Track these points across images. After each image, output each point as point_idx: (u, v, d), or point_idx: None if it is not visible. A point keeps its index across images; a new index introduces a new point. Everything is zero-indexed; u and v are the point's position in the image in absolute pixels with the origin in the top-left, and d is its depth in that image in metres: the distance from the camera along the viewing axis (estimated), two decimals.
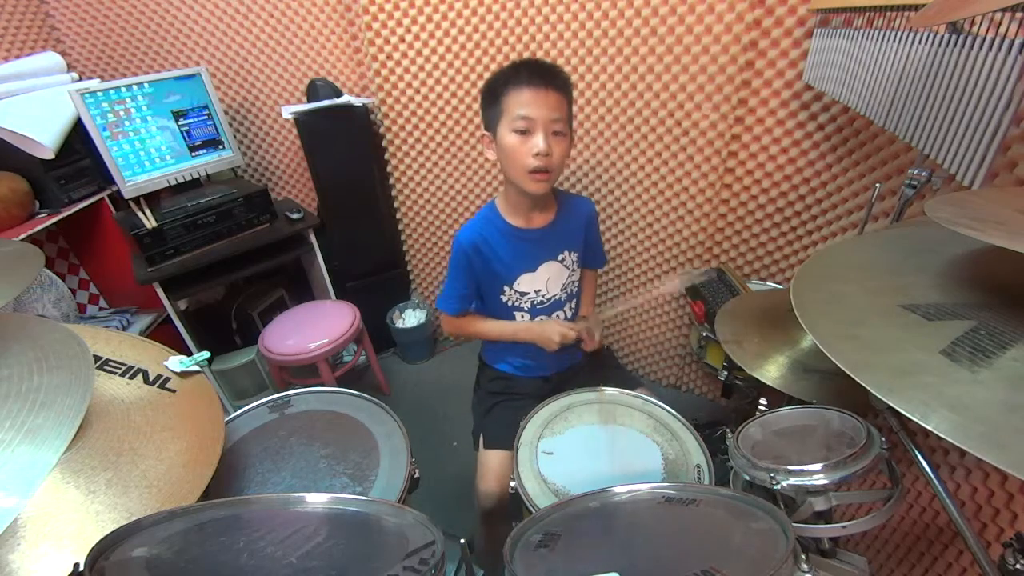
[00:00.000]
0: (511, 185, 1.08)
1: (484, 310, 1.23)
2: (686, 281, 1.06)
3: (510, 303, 1.18)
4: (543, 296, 1.18)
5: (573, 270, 1.20)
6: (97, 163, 1.78)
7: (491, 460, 1.10)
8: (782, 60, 1.34)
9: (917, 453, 0.66)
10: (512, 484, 0.90)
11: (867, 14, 0.97)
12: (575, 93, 1.62)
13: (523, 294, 1.17)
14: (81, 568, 0.45)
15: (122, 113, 1.73)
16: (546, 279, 1.17)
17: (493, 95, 1.02)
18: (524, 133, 0.98)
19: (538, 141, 0.97)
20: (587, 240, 1.22)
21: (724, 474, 0.82)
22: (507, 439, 1.02)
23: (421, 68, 1.80)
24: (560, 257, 1.17)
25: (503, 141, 1.01)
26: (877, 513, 0.68)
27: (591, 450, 0.94)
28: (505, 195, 1.14)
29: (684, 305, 1.82)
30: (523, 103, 0.97)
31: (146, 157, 1.81)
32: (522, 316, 1.20)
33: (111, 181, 1.79)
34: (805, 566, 0.69)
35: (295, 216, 1.96)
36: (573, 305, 1.24)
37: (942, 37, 0.74)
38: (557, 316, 1.21)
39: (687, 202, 1.64)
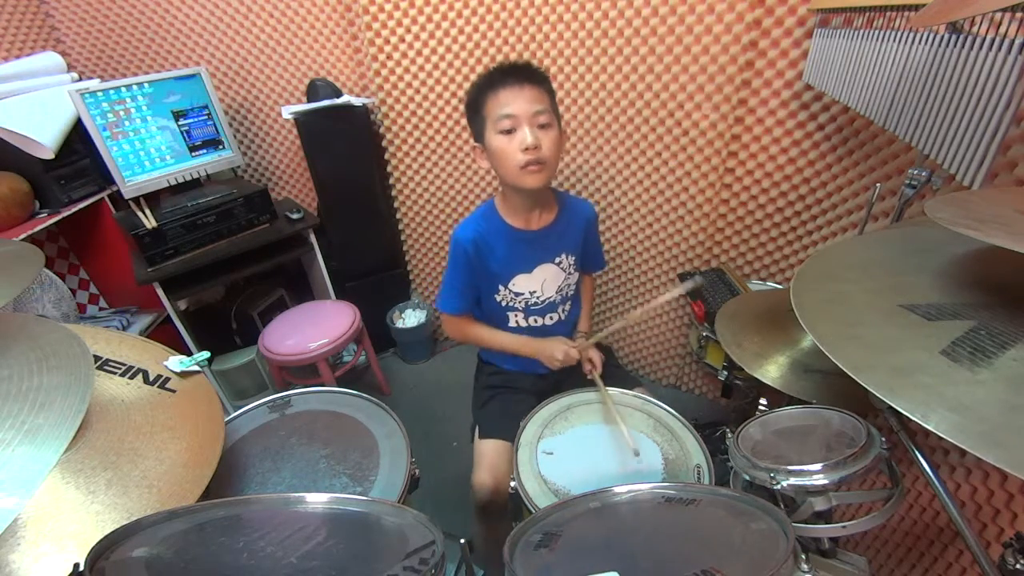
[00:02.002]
0: (509, 188, 1.08)
1: (478, 310, 1.23)
2: (685, 288, 1.07)
3: (504, 303, 1.18)
4: (538, 297, 1.18)
5: (570, 273, 1.20)
6: (97, 163, 1.78)
7: (485, 449, 1.10)
8: (782, 60, 1.34)
9: (917, 453, 0.66)
10: (512, 484, 0.90)
11: (867, 14, 0.97)
12: (575, 93, 1.64)
13: (518, 294, 1.17)
14: (81, 568, 0.45)
15: (122, 113, 1.73)
16: (542, 281, 1.17)
17: (474, 106, 1.03)
18: (510, 132, 0.99)
19: (525, 135, 0.97)
20: (586, 243, 1.22)
21: (724, 474, 0.82)
22: (502, 429, 1.02)
23: (421, 68, 1.80)
24: (557, 260, 1.17)
25: (492, 145, 1.01)
26: (877, 513, 0.68)
27: (591, 450, 0.94)
28: (504, 197, 1.14)
29: (684, 305, 1.82)
30: (502, 103, 0.98)
31: (146, 157, 1.81)
32: (516, 317, 1.20)
33: (111, 181, 1.79)
34: (805, 566, 0.69)
35: (295, 216, 1.96)
36: (567, 308, 1.24)
37: (942, 37, 0.74)
38: (550, 317, 1.22)
39: (687, 202, 1.64)
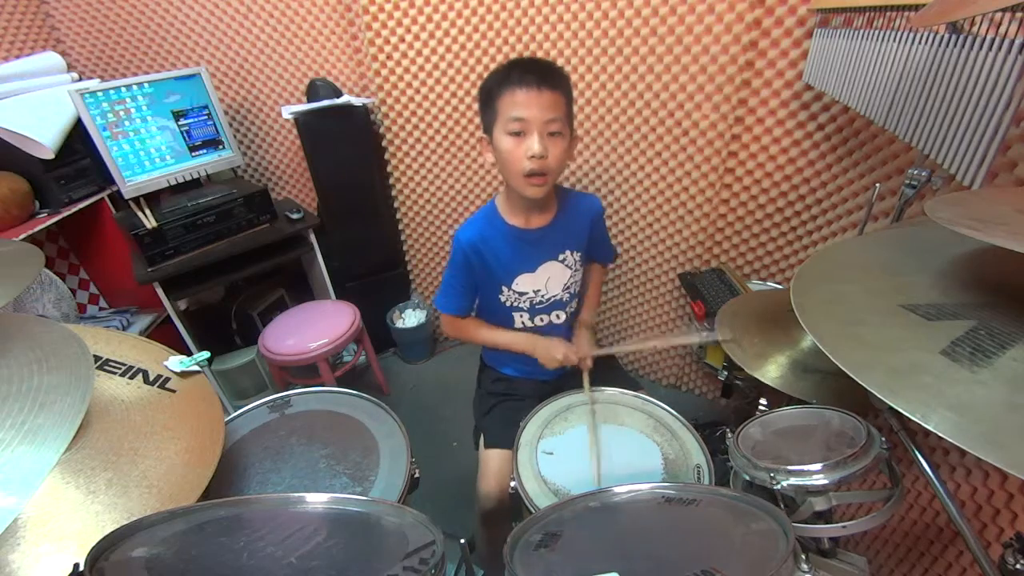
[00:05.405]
0: (510, 187, 1.08)
1: (481, 311, 1.23)
2: (706, 339, 1.07)
3: (508, 303, 1.18)
4: (542, 296, 1.17)
5: (576, 269, 1.19)
6: (97, 163, 1.78)
7: (491, 459, 1.10)
8: (782, 60, 1.34)
9: (917, 453, 0.66)
10: (512, 484, 0.90)
11: (867, 14, 0.97)
12: (575, 94, 1.63)
13: (522, 294, 1.16)
14: (81, 568, 0.45)
15: (122, 113, 1.73)
16: (546, 279, 1.16)
17: (488, 98, 1.00)
18: (519, 135, 0.96)
19: (532, 143, 0.94)
20: (593, 237, 1.20)
21: (724, 474, 0.82)
22: (507, 439, 1.02)
23: (421, 68, 1.80)
24: (561, 257, 1.16)
25: (499, 144, 0.99)
26: (877, 513, 0.67)
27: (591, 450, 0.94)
28: (506, 195, 1.13)
29: (684, 305, 1.82)
30: (516, 104, 0.94)
31: (146, 157, 1.81)
32: (520, 317, 1.20)
33: (111, 181, 1.79)
34: (805, 566, 0.69)
35: (295, 216, 1.96)
36: (575, 305, 1.24)
37: (942, 37, 0.74)
38: (557, 315, 1.21)
39: (687, 202, 1.64)
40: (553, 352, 1.11)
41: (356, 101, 1.85)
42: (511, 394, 1.23)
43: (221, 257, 1.81)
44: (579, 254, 1.19)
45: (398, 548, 0.57)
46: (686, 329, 1.84)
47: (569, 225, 1.16)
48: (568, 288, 1.19)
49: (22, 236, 1.56)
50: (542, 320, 1.20)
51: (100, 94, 1.68)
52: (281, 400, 1.05)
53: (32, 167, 1.65)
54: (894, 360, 0.45)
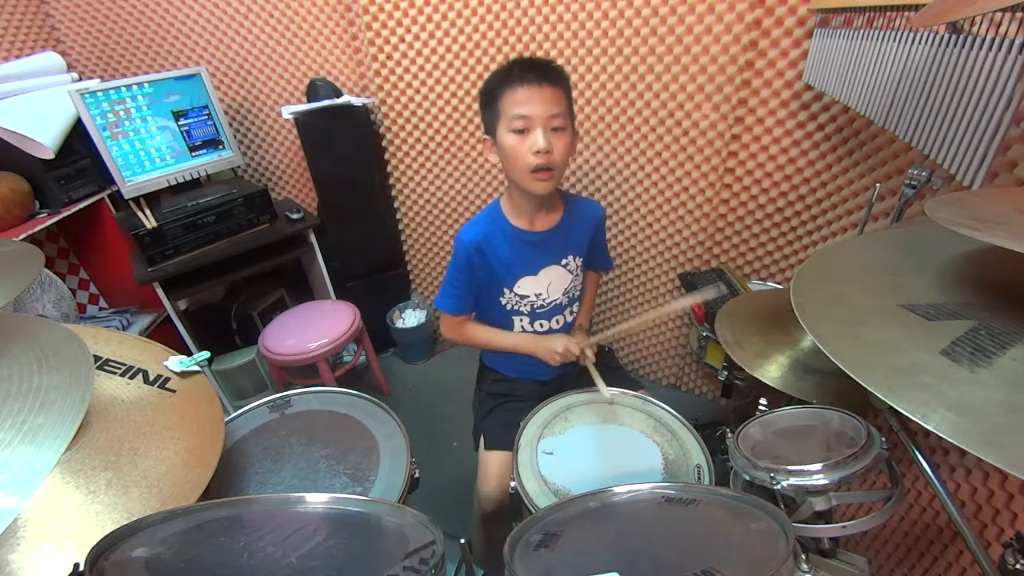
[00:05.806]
0: (515, 187, 1.07)
1: (481, 314, 1.23)
2: (696, 298, 1.06)
3: (509, 306, 1.17)
4: (543, 300, 1.17)
5: (576, 274, 1.19)
6: (97, 163, 1.78)
7: (491, 461, 1.10)
8: (782, 60, 1.34)
9: (917, 453, 0.66)
10: (512, 484, 0.90)
11: (867, 14, 0.97)
12: (575, 93, 1.64)
13: (523, 297, 1.16)
14: (81, 568, 0.45)
15: (122, 113, 1.73)
16: (547, 283, 1.16)
17: (489, 98, 1.01)
18: (522, 132, 0.97)
19: (537, 139, 0.95)
20: (593, 243, 1.21)
21: (724, 474, 0.82)
22: (507, 441, 1.02)
23: (421, 68, 1.80)
24: (564, 261, 1.16)
25: (503, 142, 1.00)
26: (877, 513, 0.68)
27: (591, 450, 0.94)
28: (509, 196, 1.13)
29: None
30: (519, 102, 0.95)
31: (146, 157, 1.81)
32: (520, 320, 1.19)
33: (111, 181, 1.79)
34: (805, 566, 0.69)
35: (295, 216, 1.96)
36: (574, 309, 1.24)
37: (942, 37, 0.74)
38: (557, 320, 1.21)
39: (687, 202, 1.64)
40: (553, 345, 1.11)
41: (356, 101, 1.85)
42: (511, 395, 1.23)
43: (221, 257, 1.81)
44: (580, 259, 1.19)
45: (398, 548, 0.57)
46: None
47: (573, 230, 1.16)
48: (568, 293, 1.19)
49: (22, 236, 1.56)
50: (542, 325, 1.20)
51: (100, 94, 1.68)
52: (281, 400, 1.05)
53: (32, 167, 1.65)
54: (894, 360, 0.45)
